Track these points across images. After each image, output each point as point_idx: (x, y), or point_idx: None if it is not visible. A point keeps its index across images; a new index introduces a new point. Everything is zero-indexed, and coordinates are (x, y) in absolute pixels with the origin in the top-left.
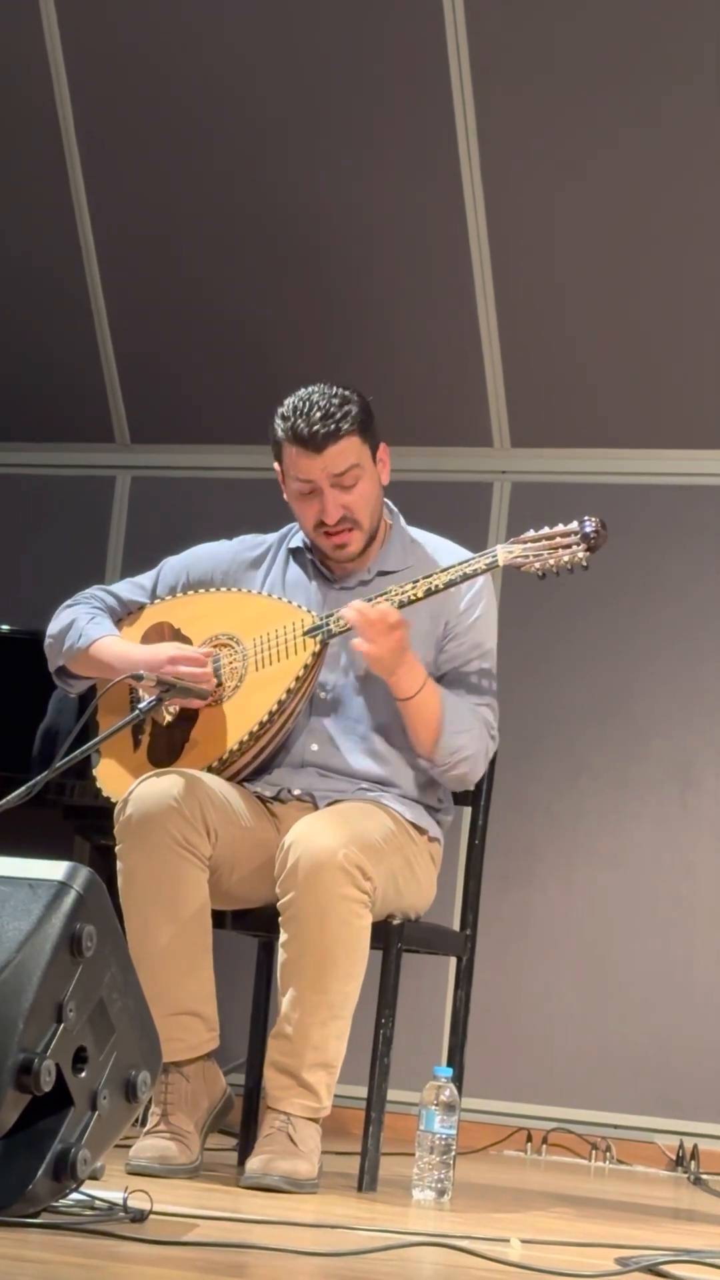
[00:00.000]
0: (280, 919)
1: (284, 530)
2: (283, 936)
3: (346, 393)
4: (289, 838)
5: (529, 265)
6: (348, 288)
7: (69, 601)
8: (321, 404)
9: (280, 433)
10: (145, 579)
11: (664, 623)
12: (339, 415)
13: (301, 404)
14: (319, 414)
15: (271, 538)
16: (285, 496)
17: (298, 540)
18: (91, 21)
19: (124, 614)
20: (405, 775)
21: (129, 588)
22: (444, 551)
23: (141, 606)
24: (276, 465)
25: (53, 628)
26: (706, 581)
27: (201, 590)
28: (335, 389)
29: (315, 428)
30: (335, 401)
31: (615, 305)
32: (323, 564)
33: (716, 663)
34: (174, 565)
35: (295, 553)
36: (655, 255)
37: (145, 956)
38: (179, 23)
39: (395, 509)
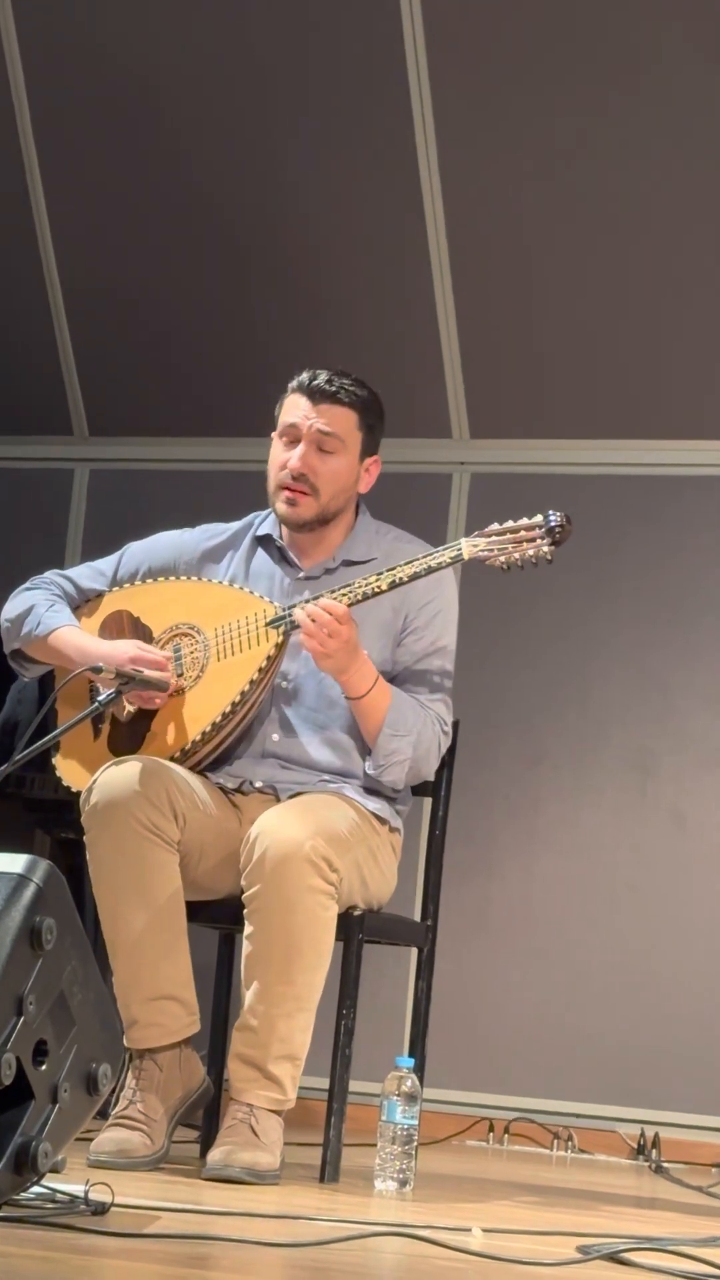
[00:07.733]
0: (245, 911)
1: (248, 518)
2: (248, 929)
3: (367, 387)
4: (255, 829)
5: (487, 257)
6: (306, 281)
7: (26, 585)
8: (338, 376)
9: (288, 388)
10: (106, 564)
11: (621, 612)
12: (349, 386)
13: (321, 370)
14: (329, 376)
15: (235, 526)
16: (268, 465)
17: (265, 527)
18: (48, 17)
19: (81, 602)
20: (365, 765)
21: (89, 574)
22: (410, 545)
23: (100, 594)
24: (273, 436)
25: (9, 610)
26: (662, 570)
27: (161, 579)
28: (361, 380)
29: (319, 383)
30: (349, 380)
31: (572, 298)
32: (289, 550)
33: (673, 651)
34: (136, 551)
35: (262, 540)
36: (612, 248)
37: (119, 943)
38: (136, 21)
39: (364, 506)
